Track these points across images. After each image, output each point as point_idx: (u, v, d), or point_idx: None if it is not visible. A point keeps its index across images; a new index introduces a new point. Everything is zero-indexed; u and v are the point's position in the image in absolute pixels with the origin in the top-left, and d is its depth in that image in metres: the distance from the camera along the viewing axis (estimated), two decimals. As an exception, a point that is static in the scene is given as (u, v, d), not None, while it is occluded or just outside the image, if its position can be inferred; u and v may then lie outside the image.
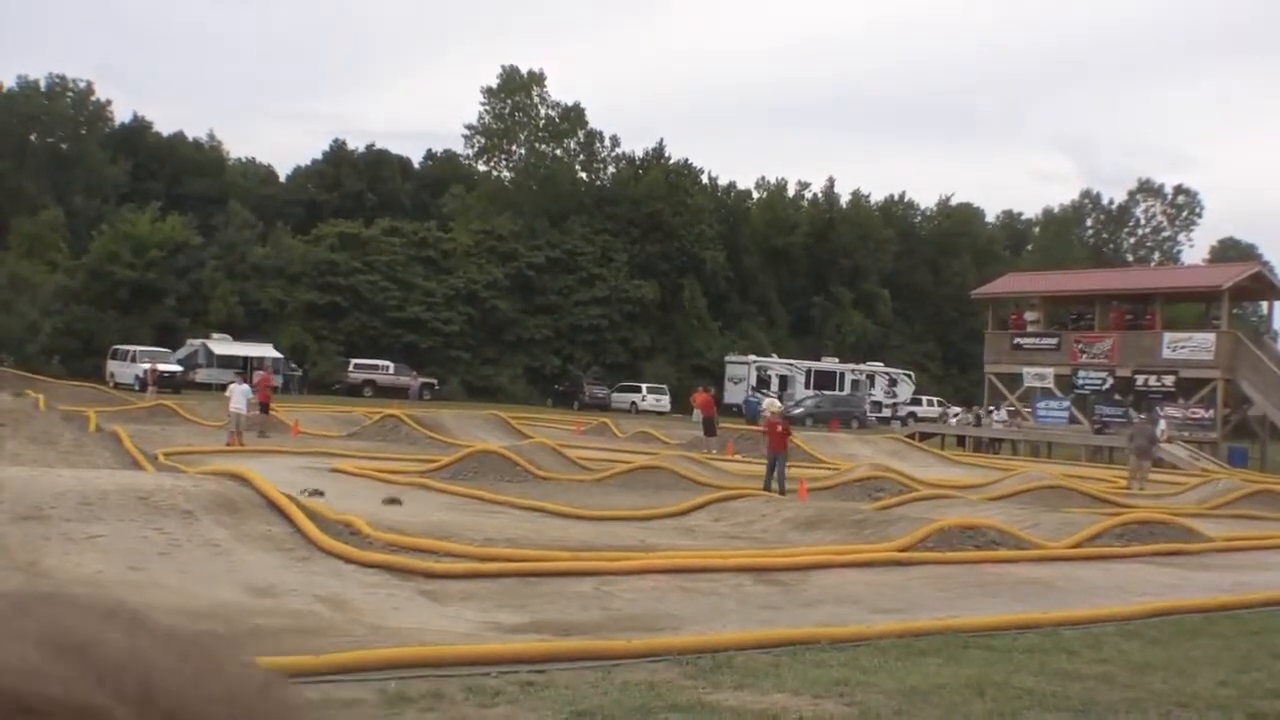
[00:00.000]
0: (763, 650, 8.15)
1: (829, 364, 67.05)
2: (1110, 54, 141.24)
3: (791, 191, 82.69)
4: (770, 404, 25.24)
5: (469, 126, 74.82)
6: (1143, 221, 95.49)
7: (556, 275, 68.12)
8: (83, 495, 12.14)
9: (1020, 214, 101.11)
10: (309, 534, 11.79)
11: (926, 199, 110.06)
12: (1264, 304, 55.61)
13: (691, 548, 13.69)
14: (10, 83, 68.05)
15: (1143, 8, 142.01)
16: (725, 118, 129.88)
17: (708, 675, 7.42)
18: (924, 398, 65.88)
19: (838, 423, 50.84)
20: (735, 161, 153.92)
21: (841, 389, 64.18)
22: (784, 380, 63.73)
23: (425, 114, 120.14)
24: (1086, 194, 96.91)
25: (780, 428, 21.45)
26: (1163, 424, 37.56)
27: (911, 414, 61.55)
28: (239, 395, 26.01)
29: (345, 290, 63.41)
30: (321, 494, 15.92)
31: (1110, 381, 44.77)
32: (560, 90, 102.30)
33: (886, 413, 63.43)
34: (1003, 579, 12.46)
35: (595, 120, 74.78)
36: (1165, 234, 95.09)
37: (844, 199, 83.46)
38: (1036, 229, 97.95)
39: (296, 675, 6.33)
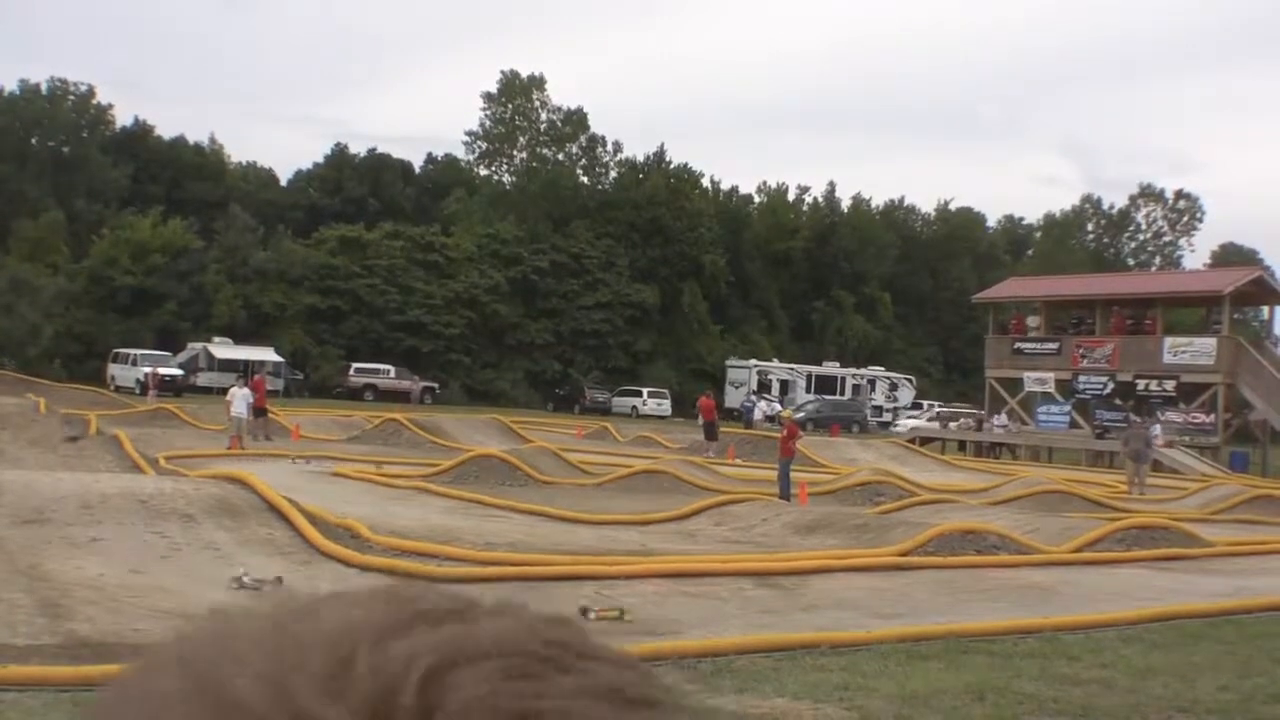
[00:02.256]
0: (763, 655, 8.15)
1: (830, 368, 66.99)
2: (1111, 58, 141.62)
3: (792, 196, 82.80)
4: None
5: (469, 132, 74.96)
6: (1144, 226, 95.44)
7: (560, 279, 68.14)
8: (83, 499, 12.15)
9: (1021, 219, 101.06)
10: (310, 538, 11.80)
11: (927, 203, 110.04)
12: (1265, 309, 55.68)
13: (692, 552, 13.68)
14: (11, 86, 68.02)
15: (1144, 11, 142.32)
16: (726, 122, 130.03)
17: (708, 679, 7.42)
18: (924, 402, 65.75)
19: (838, 427, 50.79)
20: (736, 166, 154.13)
21: (842, 393, 64.10)
22: (785, 385, 63.65)
23: (426, 118, 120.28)
24: (1087, 199, 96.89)
25: (788, 432, 21.61)
26: (1157, 429, 37.44)
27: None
28: (240, 399, 26.04)
29: (346, 294, 63.38)
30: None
31: (1111, 386, 44.72)
32: (562, 95, 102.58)
33: (887, 417, 63.32)
34: (1003, 584, 12.45)
35: (597, 124, 74.91)
36: (1166, 239, 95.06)
37: (845, 203, 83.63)
38: (1037, 234, 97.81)
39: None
